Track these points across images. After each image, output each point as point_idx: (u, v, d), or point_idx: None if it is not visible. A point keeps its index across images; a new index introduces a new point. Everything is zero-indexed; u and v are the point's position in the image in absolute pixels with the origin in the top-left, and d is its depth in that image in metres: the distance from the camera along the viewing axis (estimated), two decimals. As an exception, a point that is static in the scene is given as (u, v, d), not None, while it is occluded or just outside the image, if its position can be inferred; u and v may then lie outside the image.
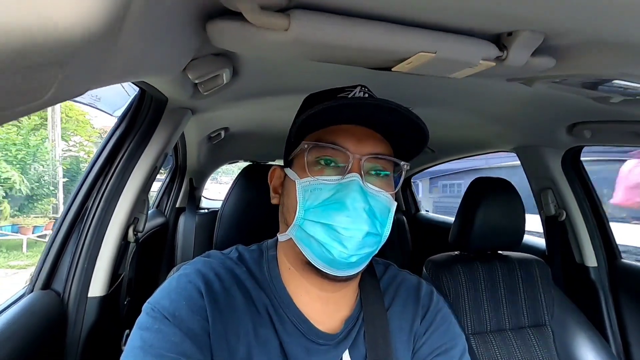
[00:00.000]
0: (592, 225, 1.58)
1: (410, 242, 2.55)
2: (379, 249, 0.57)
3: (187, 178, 2.29)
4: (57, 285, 0.91)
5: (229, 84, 0.93)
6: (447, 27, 0.49)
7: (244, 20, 0.44)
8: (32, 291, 0.89)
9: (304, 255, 0.55)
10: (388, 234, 0.56)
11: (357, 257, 0.53)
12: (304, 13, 0.46)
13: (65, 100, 0.28)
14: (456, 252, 1.36)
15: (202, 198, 2.89)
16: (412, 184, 3.05)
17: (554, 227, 1.63)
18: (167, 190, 2.26)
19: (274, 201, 0.65)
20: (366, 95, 0.59)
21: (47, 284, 0.90)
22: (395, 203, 0.58)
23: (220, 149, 2.09)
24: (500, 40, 0.52)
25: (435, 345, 0.62)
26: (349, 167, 0.53)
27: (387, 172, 0.58)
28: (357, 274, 0.58)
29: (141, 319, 0.52)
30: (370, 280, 0.65)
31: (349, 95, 0.59)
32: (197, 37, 0.51)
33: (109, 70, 0.31)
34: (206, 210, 2.35)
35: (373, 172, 0.56)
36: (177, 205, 2.27)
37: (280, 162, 0.72)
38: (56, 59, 0.21)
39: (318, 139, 0.56)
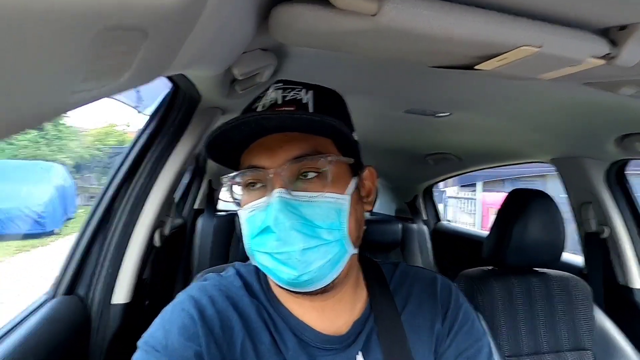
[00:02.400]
0: (638, 244, 1.48)
1: (431, 254, 2.47)
2: (343, 254, 0.52)
3: (206, 179, 2.26)
4: (80, 291, 0.87)
5: (265, 83, 0.88)
6: (554, 17, 0.42)
7: (322, 3, 0.38)
8: (54, 296, 0.84)
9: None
10: (348, 234, 0.52)
11: (308, 275, 0.50)
12: None
13: (138, 84, 0.23)
14: (490, 267, 1.29)
15: (219, 200, 2.87)
16: (433, 192, 2.97)
17: (595, 244, 1.54)
18: (185, 191, 2.23)
19: None
20: (279, 92, 0.55)
21: (70, 289, 0.86)
22: (347, 196, 0.52)
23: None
24: (608, 36, 0.45)
25: (462, 348, 0.59)
26: (270, 184, 0.50)
27: (319, 171, 0.52)
28: (333, 282, 0.53)
29: (136, 357, 0.51)
30: (378, 281, 0.62)
31: (260, 103, 0.55)
32: (255, 26, 0.46)
33: (181, 55, 0.26)
34: (224, 213, 2.31)
35: (302, 177, 0.52)
36: (195, 207, 2.24)
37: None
38: (141, 25, 0.16)
39: (241, 164, 0.55)
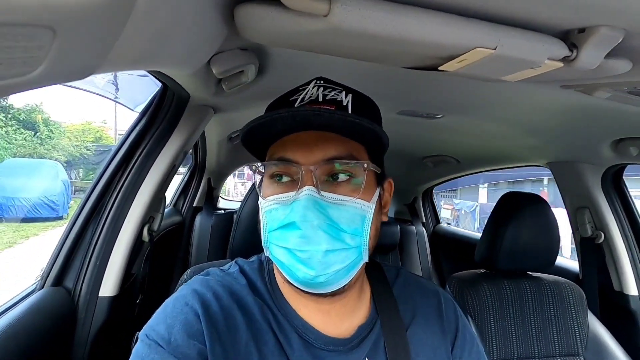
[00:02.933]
0: (634, 250, 1.46)
1: (430, 257, 2.46)
2: (359, 261, 0.53)
3: (205, 177, 2.28)
4: (68, 283, 0.89)
5: (254, 83, 0.89)
6: (509, 20, 0.42)
7: (278, 4, 0.39)
8: (42, 287, 0.86)
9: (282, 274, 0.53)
10: (368, 242, 0.52)
11: (325, 277, 0.49)
12: None
13: (61, 81, 0.23)
14: (482, 270, 1.28)
15: (220, 198, 2.89)
16: (434, 195, 2.95)
17: (590, 249, 1.52)
18: (184, 188, 2.25)
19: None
20: (320, 89, 0.55)
21: (58, 281, 0.88)
22: (372, 205, 0.53)
23: (240, 151, 2.07)
24: (569, 38, 0.45)
25: None
26: (301, 181, 0.50)
27: (350, 175, 0.52)
28: (344, 287, 0.53)
29: (137, 348, 0.50)
30: (382, 286, 0.62)
31: (301, 97, 0.55)
32: (223, 26, 0.47)
33: (119, 53, 0.27)
34: (222, 211, 2.33)
35: (331, 179, 0.52)
36: (194, 205, 2.26)
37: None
38: (47, 22, 0.17)
39: (270, 155, 0.54)
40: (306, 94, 0.55)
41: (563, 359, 1.17)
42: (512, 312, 1.17)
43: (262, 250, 0.62)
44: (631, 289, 1.45)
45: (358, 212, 0.51)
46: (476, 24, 0.42)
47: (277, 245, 0.51)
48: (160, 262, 1.65)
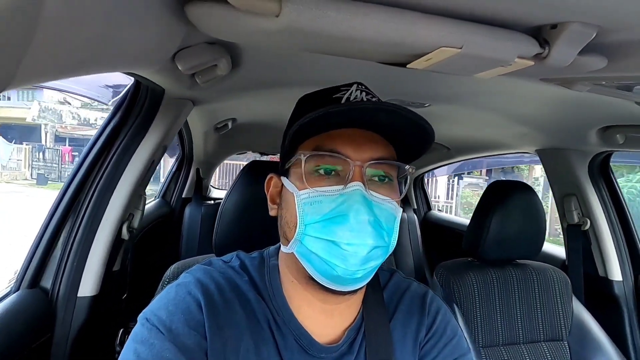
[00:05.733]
0: (619, 237, 1.48)
1: (421, 244, 2.47)
2: (384, 260, 0.53)
3: (193, 168, 2.26)
4: (45, 284, 0.87)
5: (230, 75, 0.86)
6: (477, 17, 0.40)
7: (227, 4, 0.37)
8: (18, 289, 0.85)
9: (306, 270, 0.52)
10: (395, 243, 0.53)
11: (362, 272, 0.50)
12: None
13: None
14: (469, 259, 1.28)
15: (211, 188, 2.87)
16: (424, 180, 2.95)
17: (576, 236, 1.53)
18: (173, 180, 2.23)
19: (272, 213, 0.61)
20: (363, 94, 0.55)
21: (34, 282, 0.86)
22: (401, 209, 0.55)
23: (227, 140, 2.04)
24: (541, 34, 0.43)
25: None
26: (350, 176, 0.50)
27: (392, 178, 0.54)
28: (364, 286, 0.55)
29: (136, 330, 0.50)
30: (373, 289, 0.62)
31: (345, 96, 0.54)
32: (179, 23, 0.44)
33: (39, 63, 0.24)
34: (212, 202, 2.31)
35: (376, 179, 0.53)
36: (183, 196, 2.24)
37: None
38: None
39: (316, 147, 0.52)
40: (350, 94, 0.55)
41: (547, 344, 1.19)
42: (497, 299, 1.18)
43: (247, 246, 0.62)
44: (615, 275, 1.47)
45: (392, 213, 0.52)
46: (440, 22, 0.39)
47: (317, 238, 0.50)
48: (149, 255, 1.64)
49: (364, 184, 0.49)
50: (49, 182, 11.99)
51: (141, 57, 0.45)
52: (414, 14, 0.40)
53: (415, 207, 2.80)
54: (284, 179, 0.56)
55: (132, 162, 0.96)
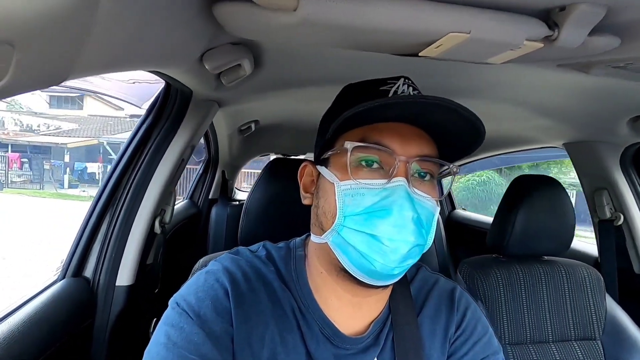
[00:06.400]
0: (655, 232, 1.40)
1: (446, 243, 2.43)
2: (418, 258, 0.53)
3: (219, 170, 2.33)
4: (87, 273, 0.95)
5: (253, 75, 0.90)
6: (484, 2, 0.41)
7: (250, 2, 0.40)
8: (64, 277, 0.92)
9: (340, 262, 0.51)
10: (431, 242, 0.53)
11: (399, 270, 0.50)
12: None
13: (30, 90, 0.25)
14: (494, 255, 1.26)
15: (235, 190, 2.95)
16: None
17: (609, 232, 1.47)
18: (200, 181, 2.31)
19: (306, 201, 0.60)
20: (410, 88, 0.54)
21: (78, 272, 0.94)
22: (439, 208, 0.53)
23: (251, 142, 2.10)
24: (550, 17, 0.44)
25: (479, 358, 0.58)
26: (395, 171, 0.49)
27: (433, 175, 0.53)
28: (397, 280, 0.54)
29: (167, 314, 0.51)
30: (400, 283, 0.60)
31: (392, 89, 0.54)
32: (208, 23, 0.48)
33: (90, 58, 0.28)
34: (237, 202, 2.38)
35: (419, 176, 0.52)
36: (210, 197, 2.32)
37: (311, 156, 0.68)
38: (4, 38, 0.18)
39: (361, 138, 0.51)
40: (397, 88, 0.54)
41: (579, 343, 1.15)
42: (524, 296, 1.15)
43: (271, 241, 0.62)
44: (652, 272, 1.40)
45: (432, 212, 0.52)
46: (447, 9, 0.41)
47: (357, 231, 0.49)
48: (179, 252, 1.72)
49: (407, 180, 0.49)
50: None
51: (171, 57, 0.50)
52: (422, 1, 0.42)
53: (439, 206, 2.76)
54: (321, 168, 0.55)
55: (164, 161, 1.02)
